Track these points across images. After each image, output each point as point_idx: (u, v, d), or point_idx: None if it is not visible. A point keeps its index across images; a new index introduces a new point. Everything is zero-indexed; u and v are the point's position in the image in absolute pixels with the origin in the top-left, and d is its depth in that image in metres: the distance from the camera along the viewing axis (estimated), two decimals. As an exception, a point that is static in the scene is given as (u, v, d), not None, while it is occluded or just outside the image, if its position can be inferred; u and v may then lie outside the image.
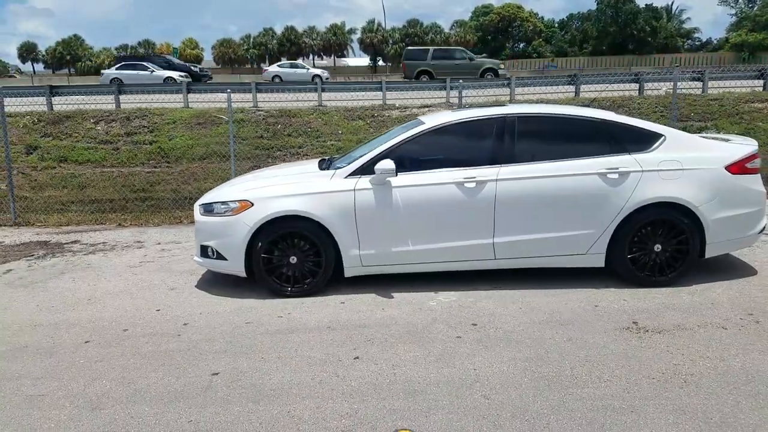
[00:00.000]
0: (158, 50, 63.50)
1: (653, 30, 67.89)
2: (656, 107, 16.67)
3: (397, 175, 5.02)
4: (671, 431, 3.09)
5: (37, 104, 16.99)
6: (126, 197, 11.86)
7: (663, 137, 5.19)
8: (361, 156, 5.30)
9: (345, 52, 70.93)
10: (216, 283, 5.66)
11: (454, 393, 3.52)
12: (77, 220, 8.99)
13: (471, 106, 10.28)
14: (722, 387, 3.51)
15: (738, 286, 5.16)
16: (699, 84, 18.29)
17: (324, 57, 69.68)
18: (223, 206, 5.20)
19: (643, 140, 5.17)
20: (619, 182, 5.02)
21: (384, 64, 66.30)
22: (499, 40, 72.87)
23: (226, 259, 5.19)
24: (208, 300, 5.22)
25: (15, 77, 60.30)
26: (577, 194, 5.04)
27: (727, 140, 5.66)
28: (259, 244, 5.06)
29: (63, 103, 17.08)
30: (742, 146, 5.32)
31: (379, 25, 67.55)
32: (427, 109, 16.26)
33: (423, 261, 5.20)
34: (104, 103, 17.23)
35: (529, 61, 60.64)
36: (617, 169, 5.04)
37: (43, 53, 70.44)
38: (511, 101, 17.76)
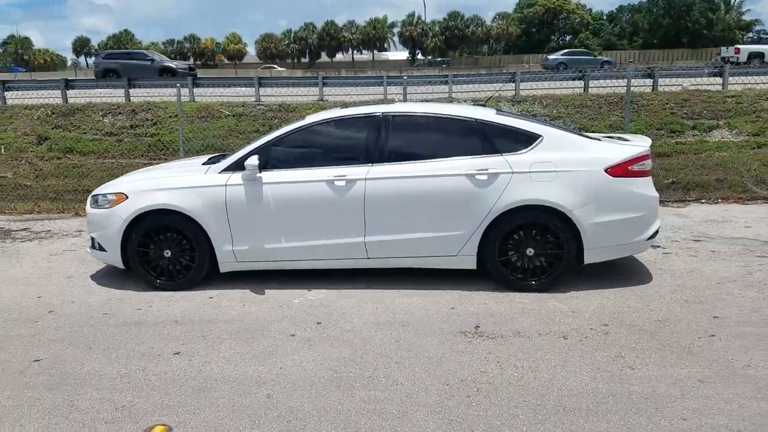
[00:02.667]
0: (203, 44, 65.19)
1: (709, 22, 65.08)
2: (666, 104, 16.05)
3: (260, 171, 5.05)
4: (427, 440, 3.03)
5: (54, 97, 17.74)
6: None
7: (540, 138, 5.01)
8: (238, 151, 5.35)
9: (386, 46, 70.90)
10: (111, 273, 5.81)
11: (241, 391, 3.54)
12: (41, 208, 9.40)
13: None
14: (512, 399, 3.40)
15: (618, 295, 4.95)
16: (719, 80, 17.55)
17: (364, 51, 69.82)
18: (103, 198, 5.35)
19: (517, 141, 5.01)
20: (487, 183, 4.89)
21: (423, 57, 65.91)
22: (544, 33, 71.23)
23: (105, 251, 5.34)
24: (89, 289, 5.40)
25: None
26: (446, 195, 4.93)
27: (625, 140, 5.42)
28: (134, 236, 5.19)
29: (78, 96, 17.80)
30: (629, 147, 5.08)
31: (419, 18, 67.20)
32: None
33: (296, 258, 5.21)
34: (116, 96, 17.84)
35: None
36: (486, 170, 4.90)
37: (96, 48, 73.55)
38: (516, 96, 17.41)
